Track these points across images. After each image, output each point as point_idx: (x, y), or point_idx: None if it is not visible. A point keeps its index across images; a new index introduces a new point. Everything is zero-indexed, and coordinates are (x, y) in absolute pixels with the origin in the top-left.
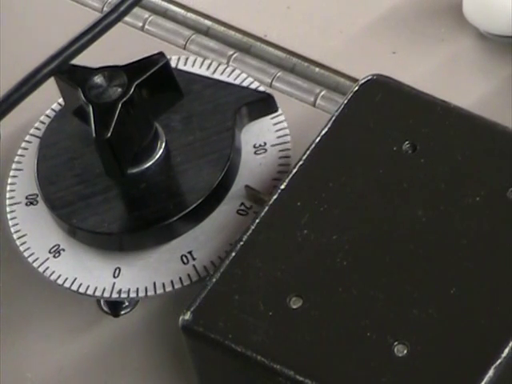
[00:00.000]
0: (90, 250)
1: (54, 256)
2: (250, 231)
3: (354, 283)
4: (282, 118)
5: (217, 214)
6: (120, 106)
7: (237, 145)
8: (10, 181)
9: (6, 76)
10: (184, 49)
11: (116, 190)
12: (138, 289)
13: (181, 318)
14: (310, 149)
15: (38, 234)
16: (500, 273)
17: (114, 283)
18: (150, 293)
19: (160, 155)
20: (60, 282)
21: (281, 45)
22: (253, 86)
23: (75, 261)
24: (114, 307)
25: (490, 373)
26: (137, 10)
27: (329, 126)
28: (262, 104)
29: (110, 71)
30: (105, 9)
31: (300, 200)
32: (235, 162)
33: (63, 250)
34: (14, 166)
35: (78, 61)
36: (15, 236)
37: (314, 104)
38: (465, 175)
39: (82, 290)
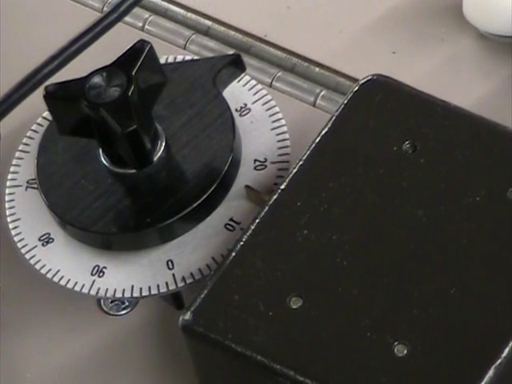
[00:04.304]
0: (130, 256)
1: (99, 276)
2: (250, 231)
3: (354, 283)
4: (247, 77)
5: (237, 177)
6: (130, 96)
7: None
8: (13, 232)
9: (6, 76)
10: (184, 49)
11: (139, 188)
12: (199, 269)
13: (181, 318)
14: (310, 149)
15: (71, 264)
16: (500, 273)
17: (174, 274)
18: (214, 267)
19: (165, 143)
20: (119, 295)
21: (281, 45)
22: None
23: (123, 271)
24: (178, 298)
25: (490, 373)
26: (137, 10)
27: (329, 126)
28: (233, 66)
29: (105, 70)
30: (105, 9)
31: (300, 200)
32: (236, 123)
33: (105, 267)
34: (9, 218)
35: (78, 61)
36: (49, 275)
37: (314, 104)
38: (465, 175)
39: (145, 293)
